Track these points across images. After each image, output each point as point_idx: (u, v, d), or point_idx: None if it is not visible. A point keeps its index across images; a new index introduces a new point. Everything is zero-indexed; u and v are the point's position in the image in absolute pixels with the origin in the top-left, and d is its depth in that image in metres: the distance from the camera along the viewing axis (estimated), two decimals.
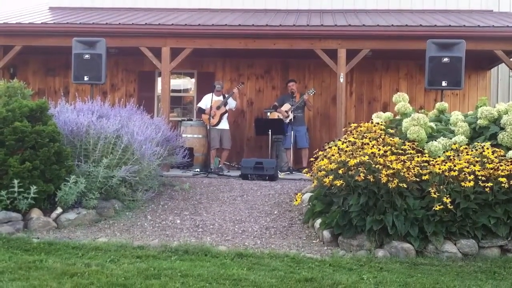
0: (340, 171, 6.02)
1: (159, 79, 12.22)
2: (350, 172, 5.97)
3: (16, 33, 11.04)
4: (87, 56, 9.81)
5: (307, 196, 7.06)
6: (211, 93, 10.84)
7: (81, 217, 6.67)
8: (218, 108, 10.98)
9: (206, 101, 11.03)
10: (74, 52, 9.86)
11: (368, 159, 5.94)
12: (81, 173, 6.95)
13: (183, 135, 10.35)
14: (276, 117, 11.08)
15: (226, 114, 11.16)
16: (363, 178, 5.81)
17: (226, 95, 11.22)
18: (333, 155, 6.30)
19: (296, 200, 6.66)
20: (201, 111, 11.13)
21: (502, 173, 5.74)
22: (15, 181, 6.32)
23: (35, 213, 6.51)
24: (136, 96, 12.51)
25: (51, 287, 4.36)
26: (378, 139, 6.51)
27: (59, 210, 6.65)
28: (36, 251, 5.46)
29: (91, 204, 6.80)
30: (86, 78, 9.87)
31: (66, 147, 6.98)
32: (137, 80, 12.89)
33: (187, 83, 13.27)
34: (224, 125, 11.16)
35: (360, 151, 6.15)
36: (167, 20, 11.49)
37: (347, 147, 6.30)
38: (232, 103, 11.23)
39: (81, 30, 10.76)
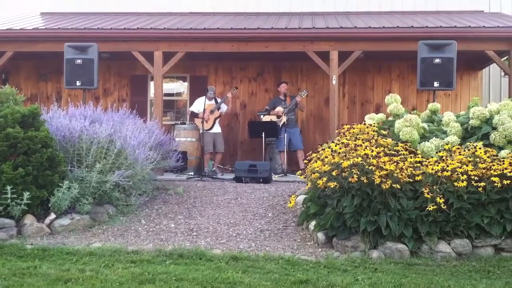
0: (333, 173, 6.02)
1: (152, 83, 12.21)
2: (343, 174, 5.97)
3: (7, 39, 11.00)
4: (79, 61, 9.78)
5: (301, 198, 7.06)
6: (203, 97, 10.87)
7: (74, 223, 6.64)
8: (212, 112, 10.99)
9: (198, 105, 11.05)
10: (66, 57, 9.83)
11: (361, 161, 5.96)
12: (74, 179, 6.94)
13: (177, 139, 10.35)
14: (270, 119, 11.09)
15: (219, 118, 11.19)
16: (356, 179, 5.82)
17: (219, 99, 11.23)
18: (326, 157, 6.31)
19: (290, 203, 6.67)
20: (194, 115, 11.13)
21: (495, 173, 5.77)
22: (8, 188, 6.29)
23: (29, 219, 6.48)
24: (128, 100, 12.49)
25: None
26: (371, 141, 6.53)
27: (52, 215, 6.62)
28: (30, 258, 5.44)
29: (84, 209, 6.78)
30: (78, 83, 9.84)
31: (59, 153, 6.96)
32: (129, 84, 12.87)
33: (180, 87, 13.26)
34: (217, 128, 11.19)
35: (353, 153, 6.16)
36: (159, 24, 11.49)
37: (340, 148, 6.31)
38: (223, 108, 11.25)
39: (73, 35, 10.74)
